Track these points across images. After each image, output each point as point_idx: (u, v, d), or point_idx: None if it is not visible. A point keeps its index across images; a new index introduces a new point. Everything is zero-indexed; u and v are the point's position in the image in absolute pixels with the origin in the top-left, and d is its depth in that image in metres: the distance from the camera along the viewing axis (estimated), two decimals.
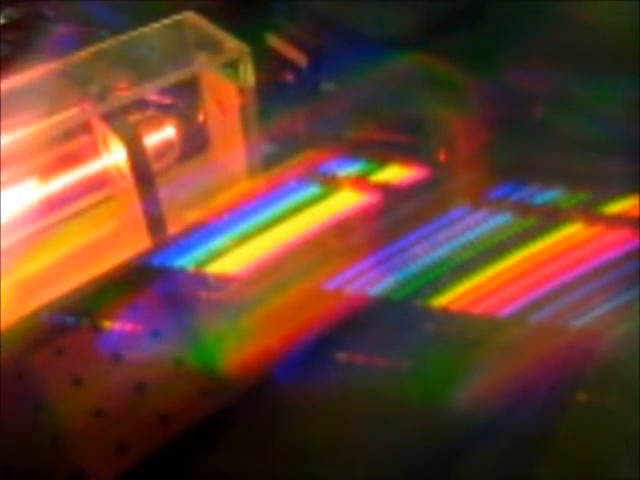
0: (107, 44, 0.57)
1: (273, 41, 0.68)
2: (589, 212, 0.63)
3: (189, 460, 0.50)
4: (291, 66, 0.67)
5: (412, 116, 0.70)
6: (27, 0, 0.76)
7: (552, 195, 0.64)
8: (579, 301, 0.56)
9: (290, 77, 0.68)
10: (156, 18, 0.59)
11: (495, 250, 0.60)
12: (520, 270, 0.59)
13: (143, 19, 0.59)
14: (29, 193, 0.56)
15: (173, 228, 0.59)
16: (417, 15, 0.77)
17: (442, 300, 0.57)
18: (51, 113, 0.52)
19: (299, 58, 0.66)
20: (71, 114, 0.53)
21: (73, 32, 0.73)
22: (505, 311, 0.57)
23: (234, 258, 0.59)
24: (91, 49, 0.56)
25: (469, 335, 0.56)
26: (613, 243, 0.60)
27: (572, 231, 0.61)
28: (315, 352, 0.54)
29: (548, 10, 0.80)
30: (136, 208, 0.57)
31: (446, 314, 0.57)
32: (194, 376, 0.53)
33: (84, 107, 0.53)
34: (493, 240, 0.61)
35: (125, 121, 0.53)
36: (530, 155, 0.67)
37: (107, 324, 0.56)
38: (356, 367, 0.55)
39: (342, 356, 0.55)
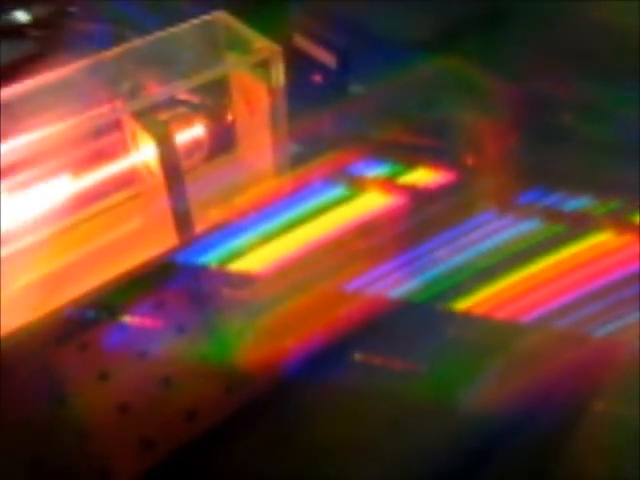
0: (138, 42, 0.57)
1: (300, 42, 0.68)
2: (618, 221, 0.62)
3: (213, 456, 0.50)
4: (319, 67, 0.67)
5: (439, 119, 0.69)
6: None
7: (580, 202, 0.64)
8: (602, 311, 0.56)
9: (318, 78, 0.68)
10: (182, 18, 0.59)
11: (520, 256, 0.59)
12: (544, 277, 0.58)
13: (170, 18, 0.59)
14: (58, 189, 0.57)
15: (199, 226, 0.60)
16: (438, 17, 0.77)
17: (464, 304, 0.57)
18: (81, 110, 0.53)
19: (327, 59, 0.66)
20: (102, 111, 0.53)
21: (99, 31, 0.73)
22: (527, 317, 0.56)
23: (258, 256, 0.59)
24: (122, 47, 0.56)
25: (489, 340, 0.56)
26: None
27: (599, 240, 0.61)
28: (336, 352, 0.54)
29: (568, 11, 0.79)
30: (163, 205, 0.57)
31: (467, 318, 0.57)
32: (218, 372, 0.53)
33: (115, 104, 0.54)
34: (519, 245, 0.60)
35: (156, 119, 0.53)
36: (557, 159, 0.66)
37: (132, 320, 0.56)
38: (375, 369, 0.55)
39: (362, 357, 0.55)
